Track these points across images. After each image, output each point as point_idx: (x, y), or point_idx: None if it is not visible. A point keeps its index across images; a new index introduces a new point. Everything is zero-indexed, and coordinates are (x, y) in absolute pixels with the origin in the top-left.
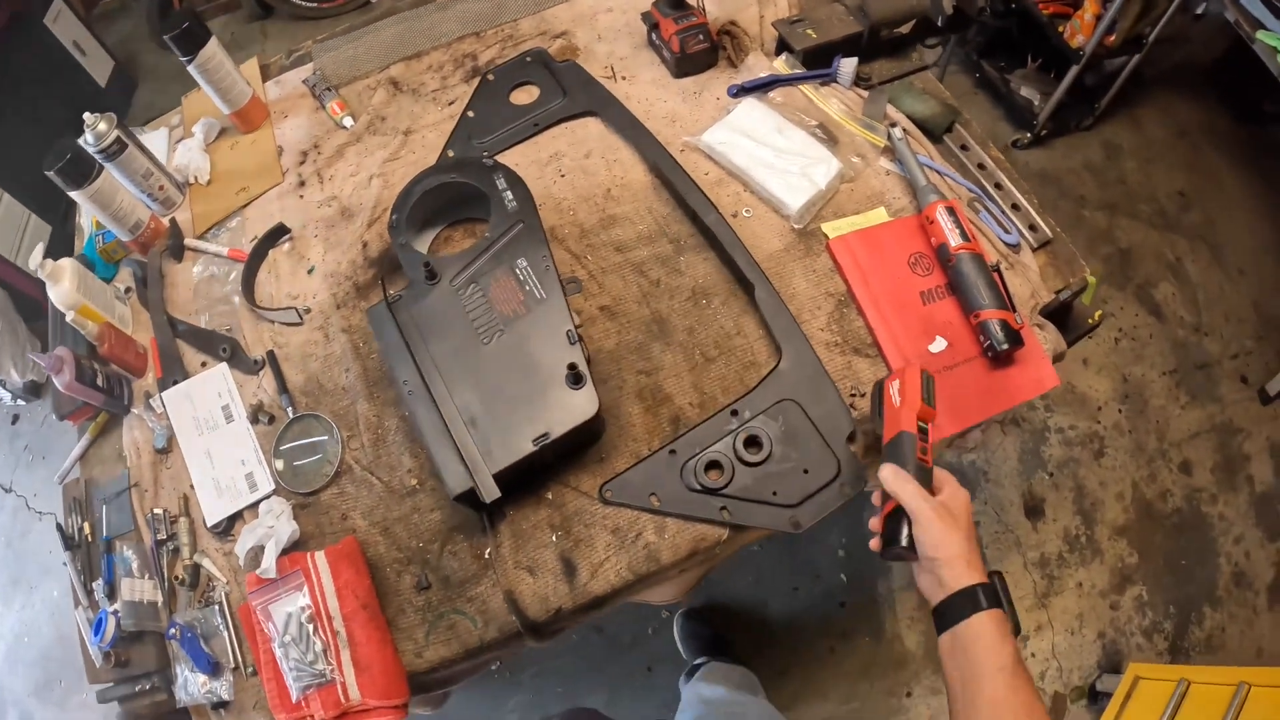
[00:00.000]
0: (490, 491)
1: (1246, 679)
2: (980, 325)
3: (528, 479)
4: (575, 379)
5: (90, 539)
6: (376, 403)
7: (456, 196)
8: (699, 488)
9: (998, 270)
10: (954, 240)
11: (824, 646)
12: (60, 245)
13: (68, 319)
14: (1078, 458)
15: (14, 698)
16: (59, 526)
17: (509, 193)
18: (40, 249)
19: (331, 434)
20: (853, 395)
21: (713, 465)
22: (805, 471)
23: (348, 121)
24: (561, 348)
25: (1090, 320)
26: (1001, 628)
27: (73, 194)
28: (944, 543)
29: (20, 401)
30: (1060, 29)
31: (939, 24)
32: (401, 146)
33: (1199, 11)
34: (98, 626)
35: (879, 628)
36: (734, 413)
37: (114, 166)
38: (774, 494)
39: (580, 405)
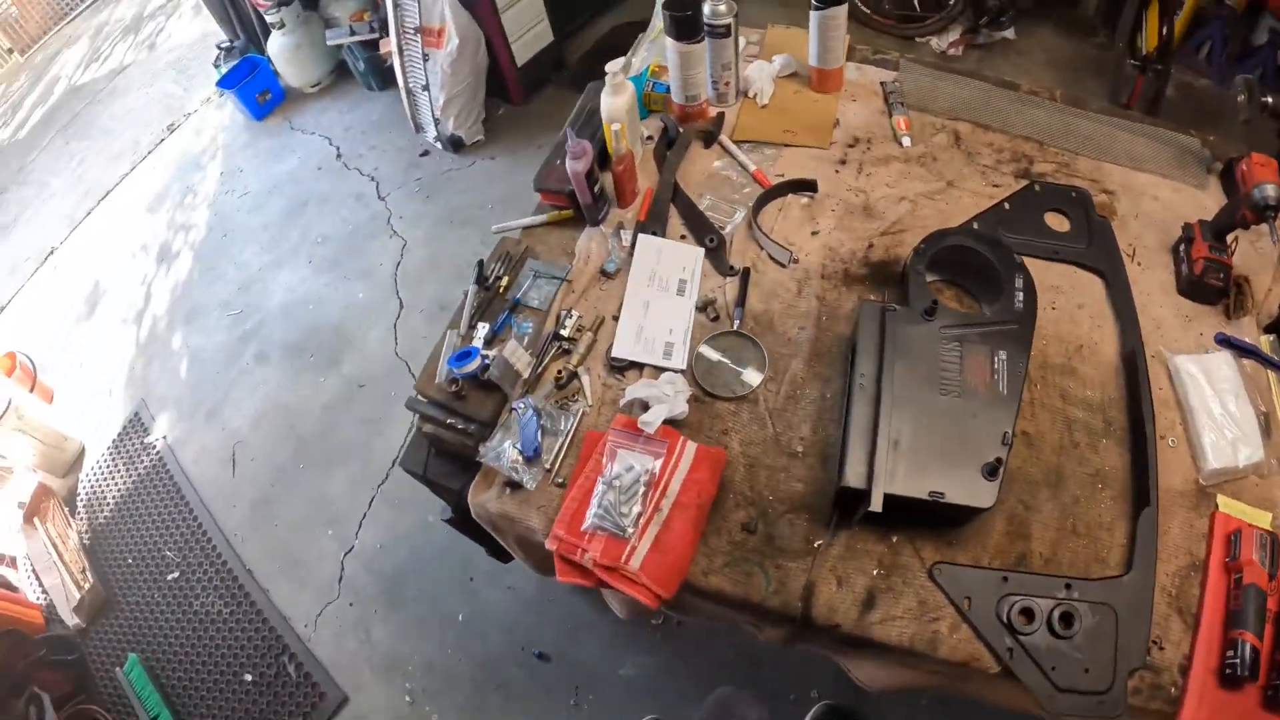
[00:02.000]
0: (876, 503)
1: None
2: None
3: (889, 515)
4: (991, 471)
5: (501, 292)
6: (809, 369)
7: (973, 264)
8: (1004, 621)
9: None
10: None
11: None
12: None
13: (613, 128)
14: None
15: (265, 343)
16: (481, 263)
17: (1021, 294)
18: (621, 61)
19: (760, 364)
20: (1154, 643)
21: (1027, 612)
22: (1086, 671)
23: (906, 141)
24: (993, 442)
25: None
26: None
27: (671, 42)
28: None
29: (439, 145)
30: None
31: None
32: (940, 191)
33: None
34: (464, 355)
35: None
36: (1068, 585)
37: (711, 42)
38: (1052, 669)
39: (980, 493)
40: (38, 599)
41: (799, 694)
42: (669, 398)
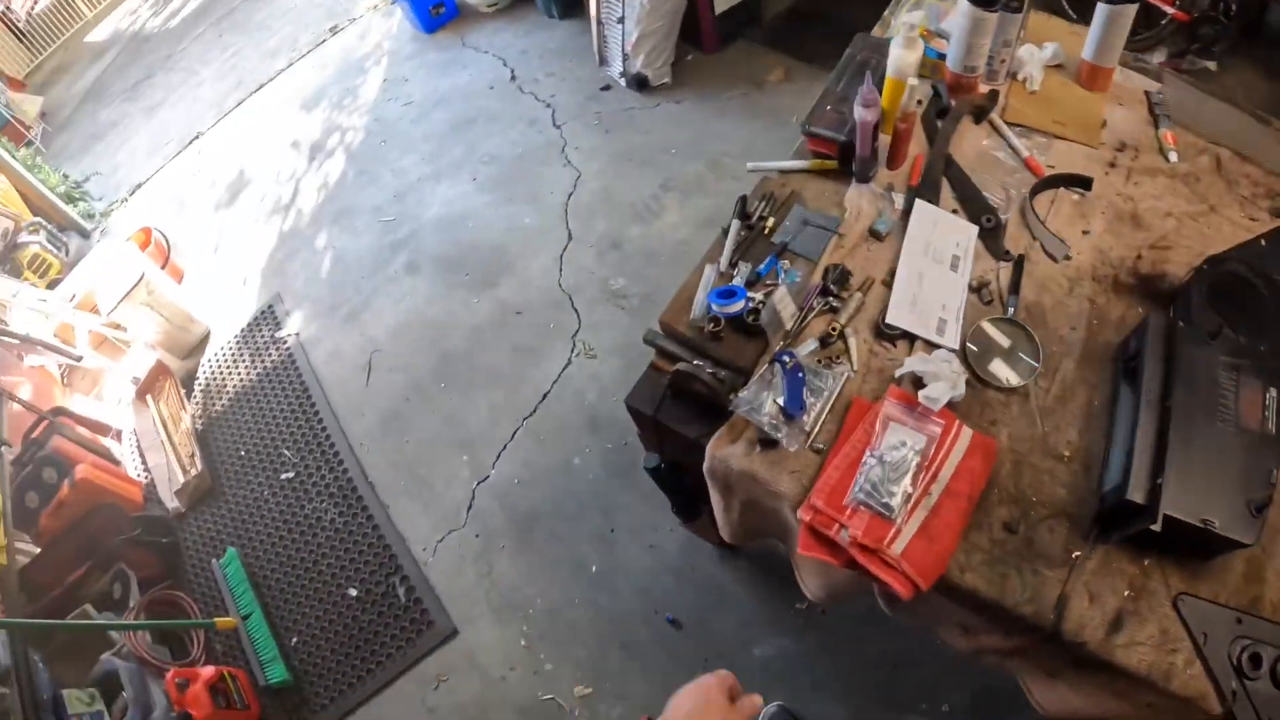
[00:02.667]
0: (1157, 521)
1: None
2: None
3: (1146, 537)
4: (1259, 508)
5: (766, 233)
6: (1080, 371)
7: (1241, 293)
8: (1235, 663)
9: None
10: None
11: None
12: None
13: (907, 83)
14: None
15: (417, 253)
16: (743, 199)
17: None
18: (919, 14)
19: (1035, 356)
20: None
21: (1255, 658)
22: None
23: (1173, 156)
24: (1259, 478)
25: None
26: None
27: (967, 6)
28: None
29: (622, 82)
30: None
31: None
32: (1203, 214)
33: None
34: (727, 294)
35: None
36: None
37: (1001, 17)
38: (1269, 718)
39: (1246, 528)
40: (139, 476)
41: (930, 705)
42: (950, 376)
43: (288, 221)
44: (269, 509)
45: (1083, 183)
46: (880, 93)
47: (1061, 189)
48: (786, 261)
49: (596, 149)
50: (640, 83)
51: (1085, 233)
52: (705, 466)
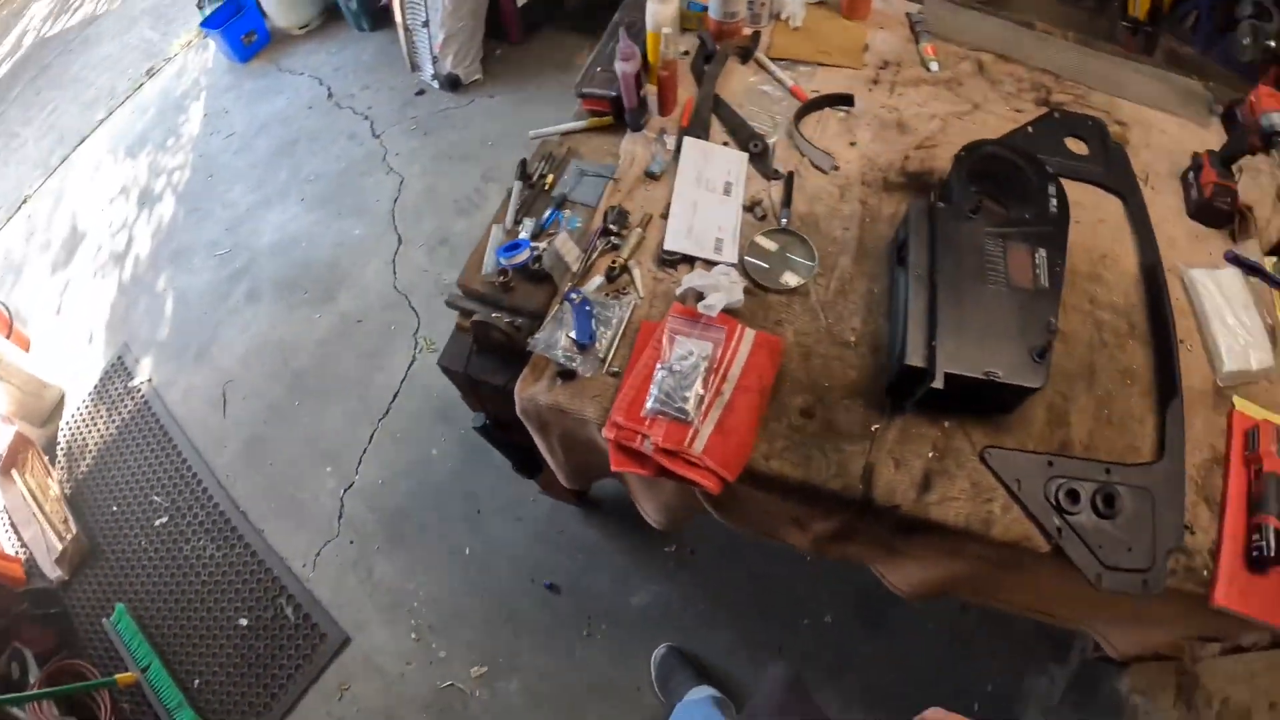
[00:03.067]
0: (938, 379)
1: None
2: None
3: (940, 402)
4: (1040, 354)
5: (547, 188)
6: (857, 266)
7: (1004, 174)
8: (1053, 502)
9: None
10: None
11: None
12: None
13: (661, 33)
14: None
15: (256, 281)
16: (523, 161)
17: (1054, 200)
18: None
19: (809, 258)
20: (1185, 528)
21: (1072, 494)
22: (1129, 549)
23: (934, 65)
24: (1038, 329)
25: None
26: None
27: None
28: None
29: (435, 85)
30: None
31: None
32: (967, 112)
33: None
34: (513, 247)
35: None
36: (1108, 470)
37: None
38: (1099, 546)
39: (1031, 374)
40: (17, 553)
41: (813, 619)
42: (726, 285)
43: (126, 271)
44: (149, 558)
45: (845, 100)
46: (645, 47)
47: (827, 109)
48: (568, 211)
49: (416, 152)
50: (453, 83)
51: (852, 144)
52: (518, 409)
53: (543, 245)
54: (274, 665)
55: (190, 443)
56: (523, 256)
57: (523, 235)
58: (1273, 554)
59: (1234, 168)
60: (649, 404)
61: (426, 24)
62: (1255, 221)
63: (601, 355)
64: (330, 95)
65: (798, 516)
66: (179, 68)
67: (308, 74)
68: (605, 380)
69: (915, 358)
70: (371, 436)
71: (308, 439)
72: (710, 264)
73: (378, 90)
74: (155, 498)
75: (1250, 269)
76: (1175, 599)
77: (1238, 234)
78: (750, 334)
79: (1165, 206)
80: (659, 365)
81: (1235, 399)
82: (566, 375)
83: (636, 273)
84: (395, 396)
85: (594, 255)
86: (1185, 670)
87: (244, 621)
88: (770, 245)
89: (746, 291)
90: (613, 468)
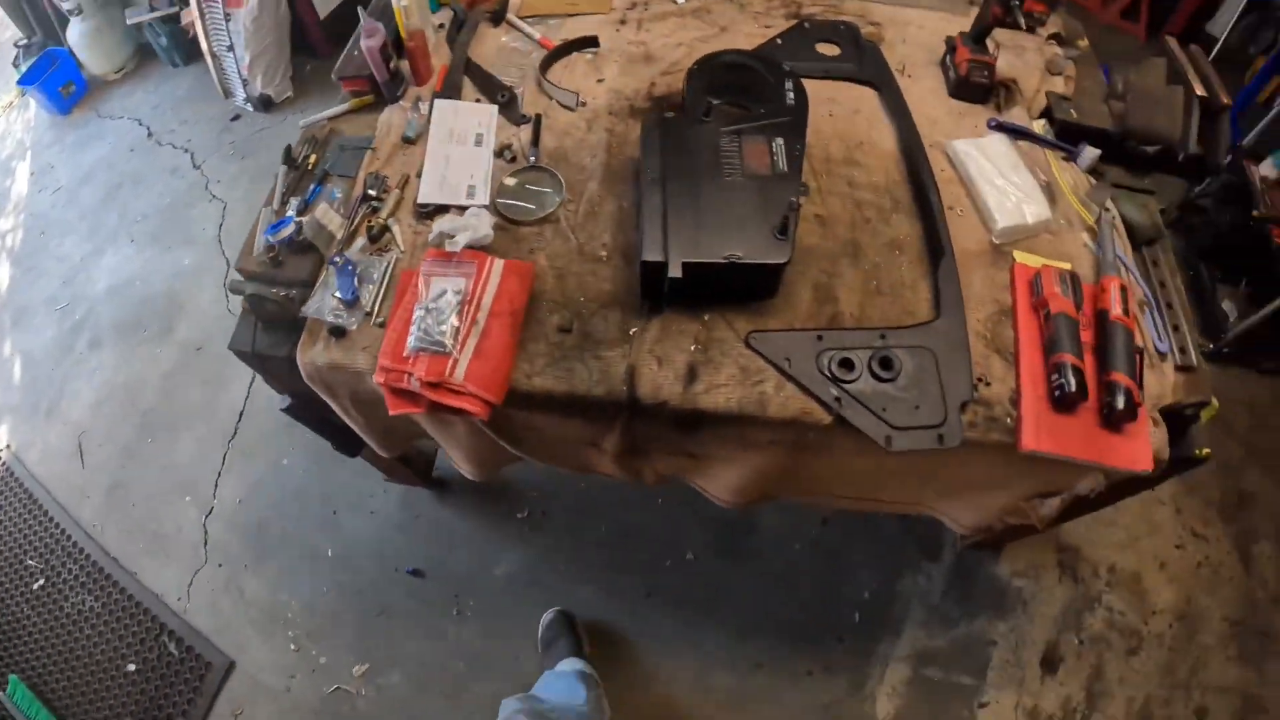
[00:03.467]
0: (675, 269)
1: None
2: (1108, 384)
3: (698, 295)
4: (782, 229)
5: (311, 168)
6: (604, 188)
7: (746, 81)
8: (828, 374)
9: (1141, 353)
10: (1116, 310)
11: (803, 668)
12: None
13: (400, 5)
14: (1112, 643)
15: (96, 329)
16: (289, 147)
17: (791, 93)
18: None
19: (557, 189)
20: (979, 380)
21: (846, 362)
22: (916, 408)
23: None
24: (781, 209)
25: (1197, 453)
26: None
27: None
28: None
29: (249, 108)
30: None
31: (1179, 158)
32: (714, 36)
33: None
34: (278, 225)
35: (861, 680)
36: (882, 335)
37: None
38: (883, 410)
39: (775, 251)
40: None
41: (674, 559)
42: (473, 225)
43: None
44: (33, 623)
45: (590, 43)
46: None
47: (575, 54)
48: (330, 185)
49: (237, 177)
50: (265, 103)
51: (600, 80)
52: (304, 376)
53: (304, 219)
54: (168, 705)
55: (55, 500)
56: (287, 231)
57: (290, 214)
58: (1073, 390)
59: (988, 42)
60: (410, 343)
61: (231, 48)
62: (1021, 91)
63: (368, 309)
64: (150, 134)
65: (588, 437)
66: (2, 130)
67: (127, 117)
68: (373, 331)
69: (652, 253)
70: (224, 458)
71: (164, 473)
72: (464, 209)
73: (195, 122)
74: (29, 561)
75: (1015, 132)
76: (987, 452)
77: (1003, 105)
78: (499, 264)
79: (924, 91)
80: (417, 306)
81: (1015, 253)
82: (338, 333)
83: (396, 230)
84: (241, 416)
85: (356, 220)
86: (1064, 546)
87: (132, 667)
88: (519, 182)
89: (497, 228)
90: (390, 411)
